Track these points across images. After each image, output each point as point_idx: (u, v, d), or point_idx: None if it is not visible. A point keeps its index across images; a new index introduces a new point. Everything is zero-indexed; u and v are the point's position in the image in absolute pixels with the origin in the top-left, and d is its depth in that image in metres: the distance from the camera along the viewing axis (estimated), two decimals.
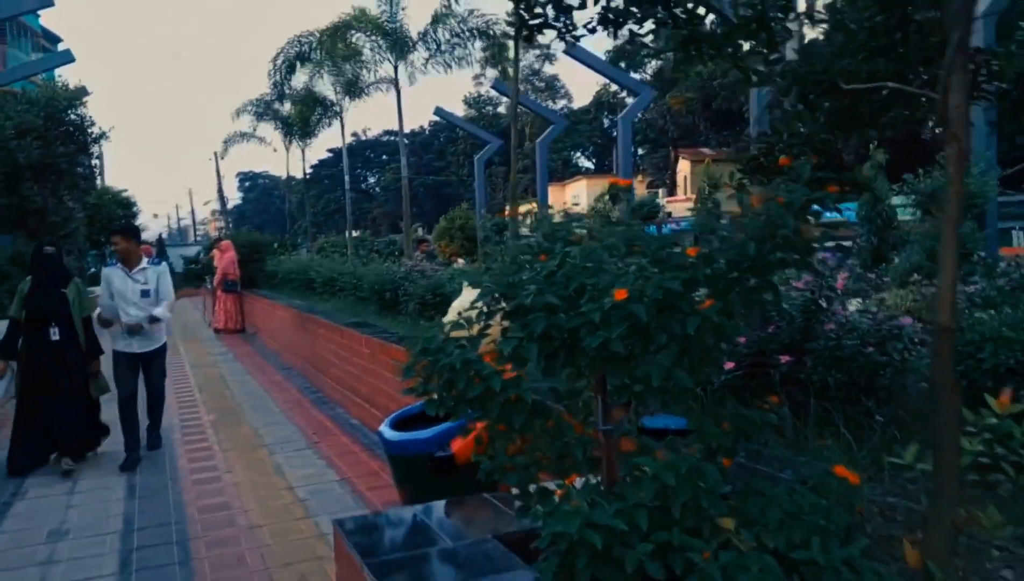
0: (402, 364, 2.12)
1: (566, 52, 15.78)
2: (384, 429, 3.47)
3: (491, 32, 12.31)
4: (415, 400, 5.27)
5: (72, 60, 18.15)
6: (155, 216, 75.67)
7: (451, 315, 3.50)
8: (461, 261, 21.47)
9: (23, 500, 5.47)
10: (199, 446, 6.85)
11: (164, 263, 6.45)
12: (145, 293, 6.25)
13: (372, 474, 5.76)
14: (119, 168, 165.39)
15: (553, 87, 59.60)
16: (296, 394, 9.18)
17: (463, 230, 23.05)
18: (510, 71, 13.52)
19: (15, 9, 12.31)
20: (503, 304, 2.02)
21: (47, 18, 50.32)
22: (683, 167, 47.09)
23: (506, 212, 34.45)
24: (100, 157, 42.47)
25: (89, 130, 10.10)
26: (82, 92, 16.83)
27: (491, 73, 58.78)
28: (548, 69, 57.86)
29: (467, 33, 12.28)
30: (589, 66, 18.07)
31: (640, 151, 52.41)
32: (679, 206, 34.67)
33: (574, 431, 1.98)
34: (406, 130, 14.16)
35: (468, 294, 3.64)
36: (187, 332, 16.65)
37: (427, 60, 12.72)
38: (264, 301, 14.30)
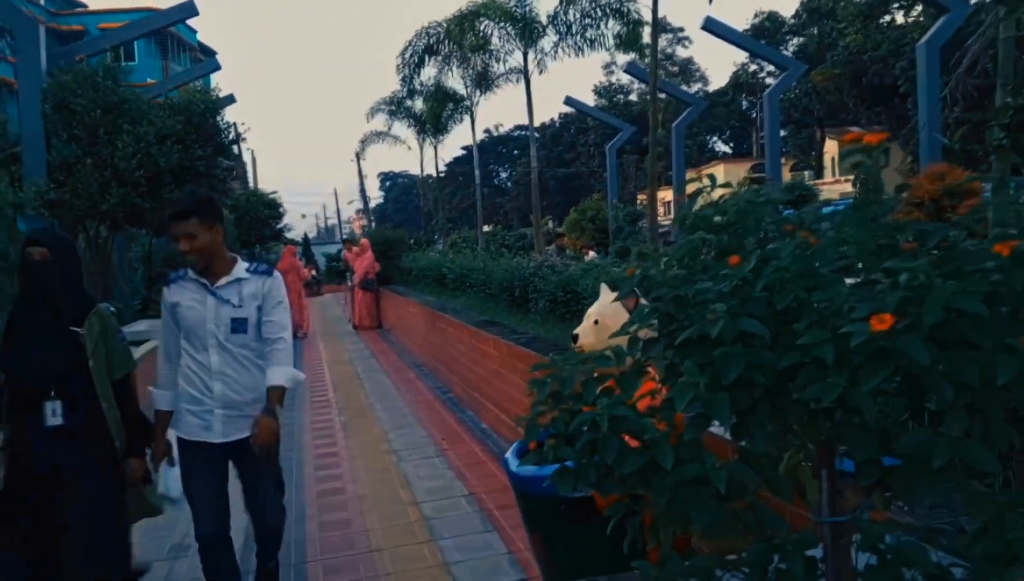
0: (522, 418, 1.55)
1: (704, 27, 14.75)
2: (510, 459, 2.95)
3: (624, 10, 11.59)
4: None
5: (218, 67, 18.99)
6: (303, 216, 79.64)
7: (587, 323, 2.92)
8: (592, 254, 20.83)
9: None
10: (327, 451, 6.66)
11: (274, 273, 3.38)
12: (239, 324, 3.24)
13: (502, 489, 5.27)
14: (270, 173, 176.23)
15: (687, 70, 57.49)
16: (428, 394, 8.92)
17: (594, 222, 22.36)
18: (646, 52, 12.71)
19: (160, 22, 12.86)
20: (659, 325, 1.41)
21: (205, 35, 54.06)
22: (830, 148, 44.12)
23: (640, 199, 33.34)
24: (246, 160, 45.10)
25: (226, 132, 10.25)
26: (228, 100, 17.52)
27: (621, 60, 57.56)
28: (681, 52, 55.92)
29: (599, 12, 11.60)
30: (729, 40, 16.88)
31: (782, 132, 49.57)
32: (828, 190, 32.32)
33: (781, 520, 1.35)
34: (536, 123, 13.69)
35: (607, 297, 3.04)
36: (327, 326, 17.04)
37: (557, 44, 12.16)
38: (398, 298, 14.30)
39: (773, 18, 47.55)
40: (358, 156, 38.62)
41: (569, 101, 21.12)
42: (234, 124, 10.69)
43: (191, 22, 44.19)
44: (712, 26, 14.68)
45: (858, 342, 1.04)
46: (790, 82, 15.16)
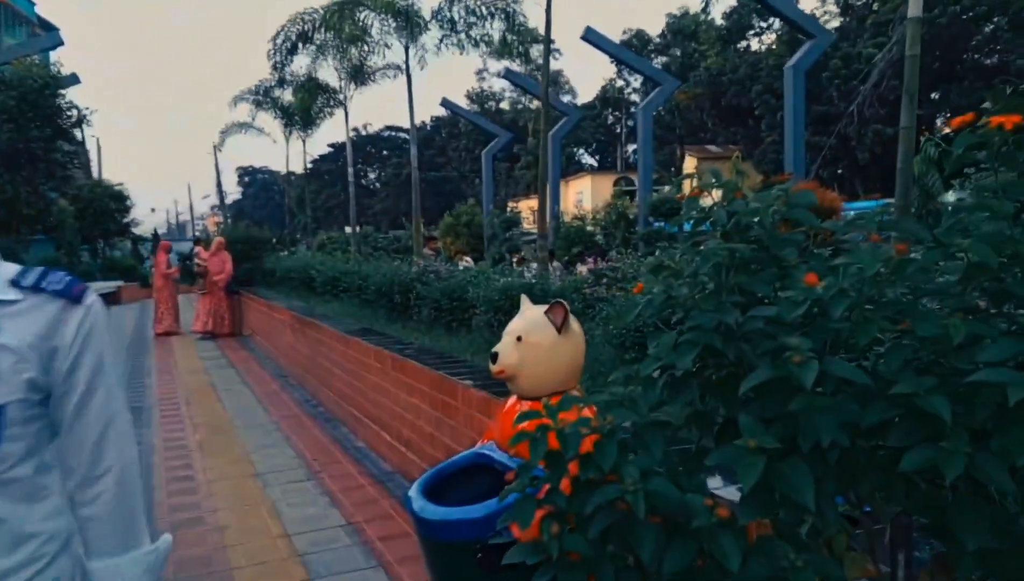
0: (508, 489, 1.15)
1: (584, 38, 14.86)
2: (415, 497, 2.53)
3: (511, 11, 11.38)
4: (453, 445, 4.26)
5: (60, 43, 17.16)
6: (152, 210, 74.57)
7: (508, 339, 2.56)
8: (468, 259, 20.60)
9: None
10: (181, 474, 5.90)
11: (89, 296, 1.31)
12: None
13: (384, 517, 4.83)
14: (116, 163, 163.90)
15: (557, 82, 58.68)
16: (294, 408, 8.25)
17: (469, 227, 22.14)
18: (532, 54, 12.59)
19: None
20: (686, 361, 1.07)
21: (43, 6, 49.21)
22: (689, 164, 46.20)
23: (510, 205, 33.45)
24: (90, 148, 41.61)
25: (68, 113, 9.11)
26: (72, 79, 15.87)
27: (493, 67, 57.97)
28: (553, 65, 57.00)
29: (485, 11, 11.32)
30: (606, 51, 17.17)
31: None
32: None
33: None
34: (408, 126, 13.23)
35: (529, 310, 2.70)
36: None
37: (441, 40, 11.77)
38: (260, 302, 13.36)
39: (640, 36, 49.36)
40: (216, 148, 36.42)
41: (446, 104, 20.81)
42: (75, 105, 9.57)
43: None
44: (592, 37, 14.82)
45: (1017, 398, 0.75)
46: (665, 96, 15.53)
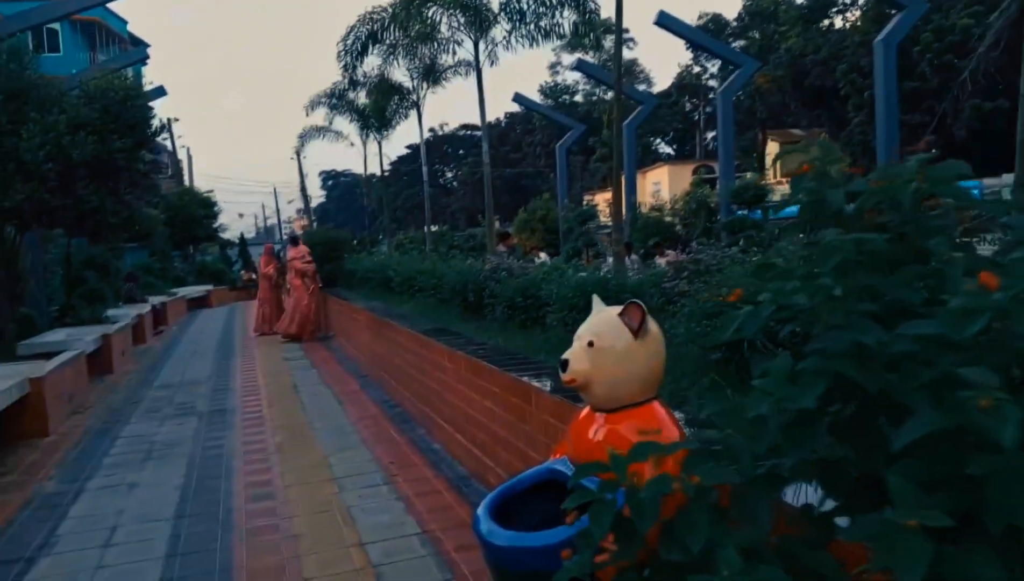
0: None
1: (657, 23, 14.38)
2: (482, 518, 2.33)
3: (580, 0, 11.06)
4: (528, 451, 4.04)
5: (146, 57, 17.86)
6: (240, 215, 77.36)
7: (578, 345, 2.32)
8: (543, 255, 20.37)
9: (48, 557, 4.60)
10: (260, 479, 5.90)
11: None
12: None
13: (460, 525, 4.65)
14: (207, 171, 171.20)
15: (632, 71, 57.74)
16: (373, 409, 8.22)
17: (544, 222, 21.90)
18: (605, 44, 12.23)
19: (76, 5, 11.87)
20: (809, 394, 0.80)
21: (135, 25, 51.73)
22: (771, 149, 44.62)
23: (587, 199, 33.05)
24: (181, 157, 43.36)
25: (150, 122, 9.34)
26: (158, 92, 16.43)
27: (566, 61, 57.55)
28: (626, 53, 56.07)
29: (555, 0, 11.03)
30: (682, 36, 16.65)
31: None
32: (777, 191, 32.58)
33: None
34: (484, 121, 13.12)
35: (601, 312, 2.44)
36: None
37: (510, 33, 11.54)
38: (342, 302, 13.51)
39: (716, 20, 47.96)
40: (298, 153, 37.35)
41: (518, 98, 20.61)
42: (155, 114, 9.81)
43: (121, 12, 42.19)
44: (666, 21, 14.32)
45: None
46: (744, 79, 14.91)
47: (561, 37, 11.66)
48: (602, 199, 34.16)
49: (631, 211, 15.47)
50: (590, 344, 2.26)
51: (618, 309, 2.30)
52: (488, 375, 5.08)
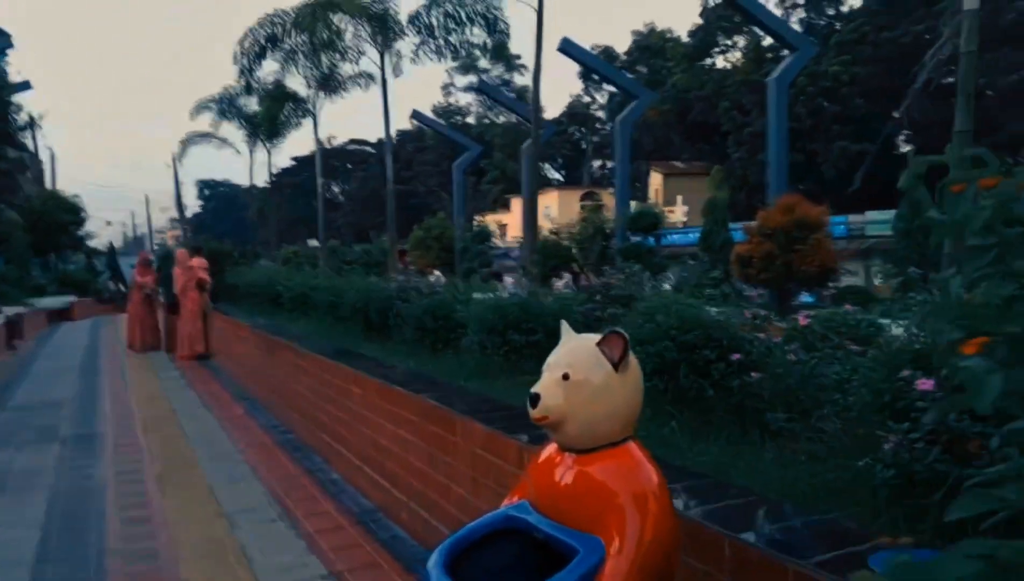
0: None
1: (560, 49, 14.54)
2: (434, 575, 2.05)
3: (491, 16, 10.93)
4: (450, 484, 3.75)
5: (9, 46, 16.35)
6: (108, 223, 72.47)
7: (550, 378, 2.09)
8: (438, 273, 20.10)
9: None
10: (138, 514, 5.29)
11: None
12: None
13: (370, 565, 4.30)
14: (72, 174, 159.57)
15: (523, 97, 58.63)
16: (262, 435, 7.65)
17: (440, 241, 21.64)
18: (514, 64, 12.14)
19: None
20: None
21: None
22: (655, 180, 46.32)
23: (478, 220, 33.00)
24: (43, 158, 40.12)
25: (15, 117, 8.40)
26: (23, 85, 15.04)
27: (460, 81, 57.73)
28: (519, 80, 56.85)
29: (464, 17, 10.85)
30: (582, 62, 16.93)
31: (609, 163, 51.74)
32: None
33: None
34: (373, 139, 12.85)
35: (573, 342, 2.23)
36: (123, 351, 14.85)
37: (419, 45, 11.29)
38: (225, 319, 12.69)
39: (607, 52, 49.48)
40: (175, 160, 35.33)
41: (417, 116, 20.37)
42: (21, 108, 8.87)
43: None
44: (568, 48, 14.50)
45: None
46: (642, 109, 15.29)
47: (470, 54, 11.50)
48: (493, 220, 34.17)
49: (531, 232, 15.47)
50: (564, 377, 2.04)
51: (594, 338, 2.09)
52: (403, 401, 4.75)
